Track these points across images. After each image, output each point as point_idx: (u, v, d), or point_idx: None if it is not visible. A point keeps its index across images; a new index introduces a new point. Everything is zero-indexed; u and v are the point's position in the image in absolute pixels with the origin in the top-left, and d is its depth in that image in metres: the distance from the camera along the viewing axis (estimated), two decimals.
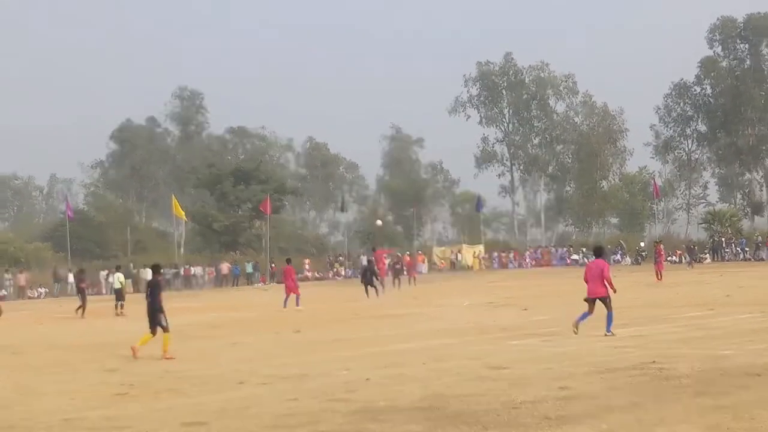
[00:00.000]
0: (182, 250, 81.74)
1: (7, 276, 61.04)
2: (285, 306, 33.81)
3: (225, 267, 66.66)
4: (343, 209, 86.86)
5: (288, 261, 37.09)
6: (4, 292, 58.99)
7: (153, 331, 19.20)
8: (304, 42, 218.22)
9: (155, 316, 19.16)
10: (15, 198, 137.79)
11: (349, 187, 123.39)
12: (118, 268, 40.37)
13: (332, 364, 16.43)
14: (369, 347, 19.33)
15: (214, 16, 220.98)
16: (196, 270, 68.19)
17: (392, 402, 11.97)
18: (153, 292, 19.54)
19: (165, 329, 19.05)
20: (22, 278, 60.50)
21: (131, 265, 63.48)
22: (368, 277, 38.98)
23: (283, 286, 35.60)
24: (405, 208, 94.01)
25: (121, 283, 36.92)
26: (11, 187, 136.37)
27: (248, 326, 26.68)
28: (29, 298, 58.53)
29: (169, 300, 43.97)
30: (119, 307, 35.40)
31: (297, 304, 33.50)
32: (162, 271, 23.19)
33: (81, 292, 36.65)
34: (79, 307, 35.24)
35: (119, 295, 36.20)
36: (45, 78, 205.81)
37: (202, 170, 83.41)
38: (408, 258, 61.61)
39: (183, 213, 70.72)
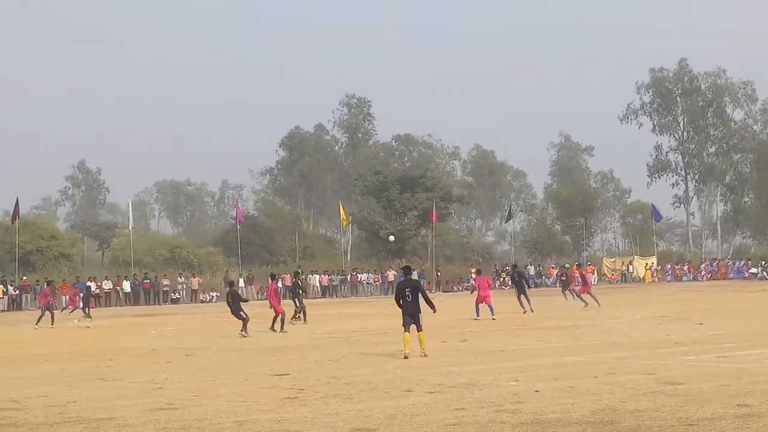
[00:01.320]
0: (349, 256, 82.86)
1: (181, 280, 63.21)
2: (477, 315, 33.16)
3: (391, 274, 67.08)
4: (509, 218, 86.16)
5: (272, 277, 34.23)
6: (177, 295, 61.12)
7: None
8: (469, 49, 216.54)
9: (417, 316, 19.73)
10: (188, 204, 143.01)
11: (516, 196, 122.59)
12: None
13: (500, 374, 16.18)
14: (538, 358, 18.96)
15: (386, 22, 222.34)
16: (363, 276, 68.91)
17: (563, 415, 11.65)
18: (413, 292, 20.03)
19: (420, 328, 19.68)
20: (195, 282, 62.53)
21: (299, 270, 64.77)
22: (520, 288, 37.60)
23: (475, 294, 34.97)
24: (574, 218, 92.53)
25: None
26: (185, 193, 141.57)
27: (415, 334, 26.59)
28: (201, 301, 60.42)
29: (337, 306, 44.84)
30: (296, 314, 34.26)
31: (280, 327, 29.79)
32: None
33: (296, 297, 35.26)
34: (295, 314, 33.80)
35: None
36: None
37: (368, 177, 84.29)
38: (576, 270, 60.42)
39: (345, 218, 71.75)
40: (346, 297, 63.18)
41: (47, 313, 35.51)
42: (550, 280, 74.37)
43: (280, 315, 29.79)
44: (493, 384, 14.93)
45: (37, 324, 34.98)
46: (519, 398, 13.19)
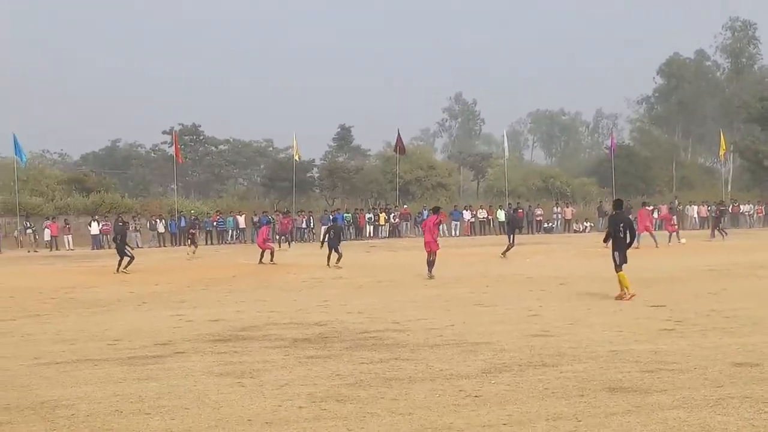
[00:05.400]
0: (729, 187, 79.02)
1: (555, 210, 63.47)
2: None
3: None
4: None
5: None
6: (551, 224, 61.45)
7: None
8: None
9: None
10: (562, 134, 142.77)
11: None
12: None
13: None
14: None
15: None
16: (745, 207, 65.44)
17: None
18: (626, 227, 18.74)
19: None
20: (569, 212, 62.62)
21: (676, 200, 62.85)
22: None
23: None
24: None
25: None
26: (559, 123, 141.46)
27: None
28: (575, 231, 60.37)
29: (718, 238, 42.98)
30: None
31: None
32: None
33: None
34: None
35: None
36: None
37: (752, 104, 79.43)
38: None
39: (724, 148, 68.23)
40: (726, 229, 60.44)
41: None
42: None
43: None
44: None
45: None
46: None
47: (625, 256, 18.49)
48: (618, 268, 18.36)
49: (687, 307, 16.61)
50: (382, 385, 9.95)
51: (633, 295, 17.90)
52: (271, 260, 32.43)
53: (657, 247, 35.84)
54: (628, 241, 18.74)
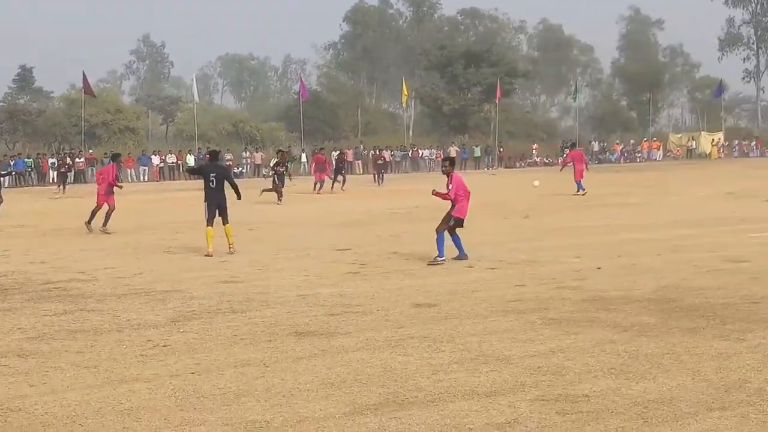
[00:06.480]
0: (411, 132, 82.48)
1: (244, 154, 63.55)
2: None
3: (453, 150, 66.66)
4: (575, 95, 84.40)
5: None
6: (241, 169, 61.50)
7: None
8: None
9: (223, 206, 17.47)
10: (251, 78, 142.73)
11: (582, 71, 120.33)
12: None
13: (562, 251, 16.16)
14: (600, 236, 18.89)
15: None
16: (425, 152, 68.65)
17: (625, 292, 11.61)
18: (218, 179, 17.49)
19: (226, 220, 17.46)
20: (258, 157, 62.81)
21: (362, 146, 64.79)
22: None
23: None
24: (641, 93, 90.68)
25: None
26: (248, 68, 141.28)
27: (477, 211, 26.30)
28: (264, 176, 60.75)
29: (399, 182, 44.79)
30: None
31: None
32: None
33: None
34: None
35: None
36: None
37: (433, 52, 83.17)
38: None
39: (406, 94, 71.11)
40: (407, 173, 63.14)
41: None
42: (614, 156, 73.64)
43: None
44: (555, 261, 14.92)
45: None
46: (581, 275, 13.17)
47: (219, 212, 17.31)
48: (209, 222, 17.21)
49: (371, 249, 17.25)
50: (67, 338, 9.63)
51: (209, 254, 16.67)
52: None
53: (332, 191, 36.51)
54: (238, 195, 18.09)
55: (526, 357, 8.26)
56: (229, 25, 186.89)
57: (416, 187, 39.12)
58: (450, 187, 15.27)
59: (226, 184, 17.64)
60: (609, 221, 22.36)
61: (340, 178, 39.87)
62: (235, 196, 18.28)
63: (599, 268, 13.85)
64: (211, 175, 17.44)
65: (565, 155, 43.08)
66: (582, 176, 32.72)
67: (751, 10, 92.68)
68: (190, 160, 57.98)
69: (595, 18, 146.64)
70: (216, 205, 17.29)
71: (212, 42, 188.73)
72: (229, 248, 17.13)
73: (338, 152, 50.85)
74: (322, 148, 49.58)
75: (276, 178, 33.55)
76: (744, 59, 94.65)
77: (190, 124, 69.13)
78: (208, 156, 19.52)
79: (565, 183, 34.58)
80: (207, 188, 17.43)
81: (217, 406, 6.98)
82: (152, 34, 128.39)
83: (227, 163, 60.16)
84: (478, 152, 69.70)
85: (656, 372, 7.57)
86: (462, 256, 15.06)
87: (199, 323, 10.33)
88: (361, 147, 64.68)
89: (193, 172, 20.10)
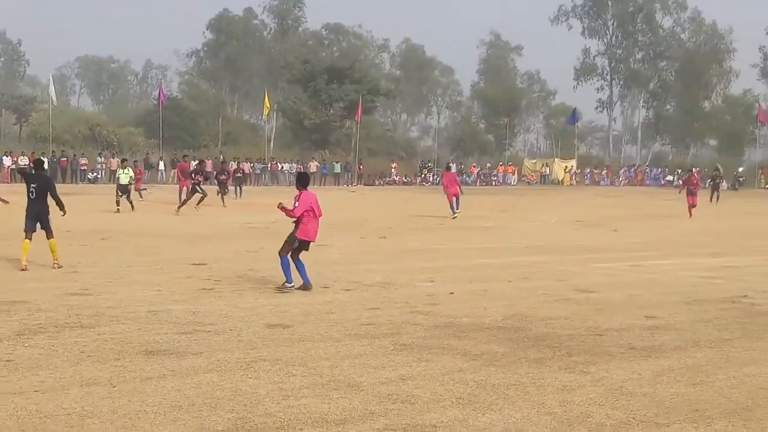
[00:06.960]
0: (272, 144, 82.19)
1: (100, 159, 62.05)
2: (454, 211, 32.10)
3: (313, 165, 66.79)
4: (438, 115, 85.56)
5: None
6: (96, 174, 60.07)
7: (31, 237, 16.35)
8: None
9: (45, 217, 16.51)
10: (110, 81, 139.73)
11: (443, 92, 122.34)
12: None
13: (416, 274, 16.35)
14: (455, 260, 19.19)
15: None
16: (285, 166, 68.51)
17: (475, 319, 11.81)
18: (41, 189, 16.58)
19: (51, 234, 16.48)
20: (114, 162, 61.32)
21: (221, 156, 64.16)
22: None
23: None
24: (499, 117, 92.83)
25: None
26: (107, 70, 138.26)
27: (335, 229, 26.36)
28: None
29: (257, 195, 44.50)
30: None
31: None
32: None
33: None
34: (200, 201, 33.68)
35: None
36: None
37: (296, 65, 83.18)
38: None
39: (268, 106, 70.84)
40: (267, 185, 62.89)
41: None
42: (471, 178, 75.00)
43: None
44: (409, 284, 15.07)
45: None
46: (433, 300, 13.33)
47: (40, 224, 16.37)
48: (27, 234, 16.26)
49: (226, 265, 17.08)
50: None
51: (24, 268, 15.75)
52: None
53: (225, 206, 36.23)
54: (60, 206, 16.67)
55: (377, 384, 8.30)
56: (90, 26, 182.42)
57: (275, 201, 38.91)
58: (296, 204, 14.48)
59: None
60: (464, 245, 22.79)
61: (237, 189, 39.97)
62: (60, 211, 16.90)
63: (452, 293, 14.06)
64: (32, 185, 16.56)
65: (441, 177, 43.62)
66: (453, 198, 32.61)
67: (606, 41, 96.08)
68: (23, 160, 55.17)
69: (456, 41, 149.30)
70: (35, 218, 16.38)
71: (71, 42, 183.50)
72: (54, 264, 16.16)
73: (198, 161, 50.15)
74: (185, 155, 48.96)
75: (195, 187, 33.49)
76: (598, 89, 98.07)
77: (45, 125, 67.02)
78: (32, 164, 18.45)
79: (435, 203, 35.06)
80: (28, 198, 16.58)
81: (60, 427, 6.78)
82: (8, 31, 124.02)
83: (81, 168, 58.74)
84: (338, 168, 69.98)
85: (503, 403, 7.71)
86: (306, 285, 14.13)
87: (45, 337, 10.02)
88: (221, 157, 64.05)
89: (21, 175, 19.09)
